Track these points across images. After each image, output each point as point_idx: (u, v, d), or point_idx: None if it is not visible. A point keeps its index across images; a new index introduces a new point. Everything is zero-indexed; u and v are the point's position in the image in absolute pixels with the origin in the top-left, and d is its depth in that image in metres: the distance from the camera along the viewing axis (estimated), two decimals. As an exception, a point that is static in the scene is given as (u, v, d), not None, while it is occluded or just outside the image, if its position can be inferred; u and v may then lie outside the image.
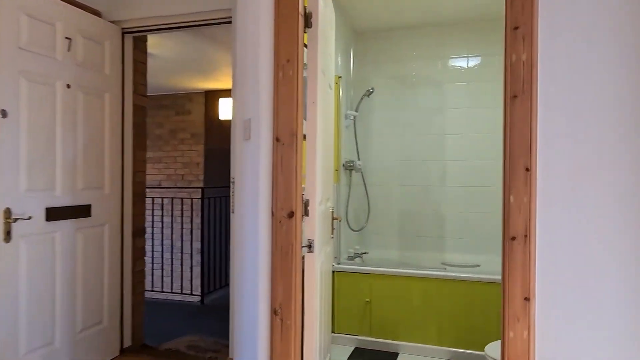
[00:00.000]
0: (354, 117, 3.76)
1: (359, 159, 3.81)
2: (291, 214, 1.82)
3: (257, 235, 1.87)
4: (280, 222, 1.83)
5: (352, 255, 3.64)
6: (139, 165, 3.15)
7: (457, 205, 3.80)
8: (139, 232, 3.14)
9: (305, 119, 1.98)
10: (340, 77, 3.44)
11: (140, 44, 3.14)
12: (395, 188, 3.96)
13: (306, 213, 1.93)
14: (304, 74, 1.98)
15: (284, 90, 1.82)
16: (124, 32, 2.97)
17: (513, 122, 1.59)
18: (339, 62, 3.57)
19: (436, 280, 3.12)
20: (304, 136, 1.98)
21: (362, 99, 3.81)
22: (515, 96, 1.59)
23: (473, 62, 3.76)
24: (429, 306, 3.12)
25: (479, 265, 3.68)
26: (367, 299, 3.24)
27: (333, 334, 3.30)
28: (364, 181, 3.85)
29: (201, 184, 5.82)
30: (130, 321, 3.06)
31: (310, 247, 1.93)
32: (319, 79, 1.98)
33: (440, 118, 3.84)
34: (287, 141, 1.82)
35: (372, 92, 3.78)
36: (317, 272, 1.99)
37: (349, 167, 3.70)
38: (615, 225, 1.52)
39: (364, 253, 3.80)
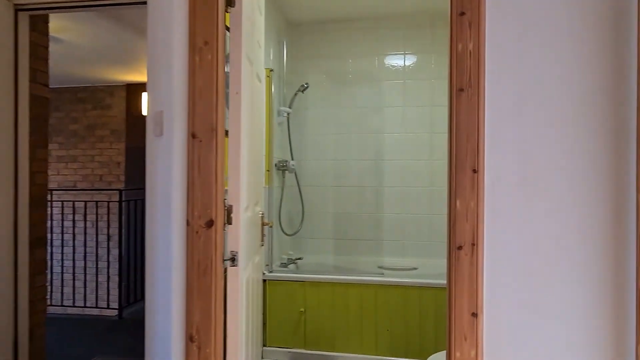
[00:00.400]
0: (287, 114, 3.53)
1: (292, 159, 3.58)
2: (210, 223, 1.55)
3: (170, 248, 1.59)
4: (197, 232, 1.56)
5: (285, 261, 3.41)
6: (38, 165, 2.72)
7: (394, 206, 3.68)
8: (38, 243, 2.71)
9: (228, 113, 1.73)
10: (272, 70, 3.19)
11: (39, 25, 2.71)
12: (331, 189, 3.78)
13: (229, 221, 1.67)
14: (227, 65, 1.72)
15: (202, 77, 1.55)
16: (18, 9, 2.54)
17: (459, 118, 1.44)
18: (271, 55, 3.32)
19: (373, 286, 2.96)
20: (227, 132, 1.72)
21: (295, 94, 3.59)
22: (461, 90, 1.43)
23: (410, 59, 3.66)
24: (367, 313, 2.96)
25: (416, 268, 3.59)
26: (302, 309, 3.03)
27: (264, 348, 3.05)
28: (297, 182, 3.64)
29: (122, 186, 5.33)
30: (27, 346, 2.63)
31: (233, 260, 1.68)
32: (243, 67, 1.73)
33: (377, 116, 3.70)
34: (205, 137, 1.55)
35: (306, 87, 3.57)
36: (242, 289, 1.73)
37: (282, 168, 3.47)
38: (569, 233, 1.41)
39: (299, 259, 3.58)
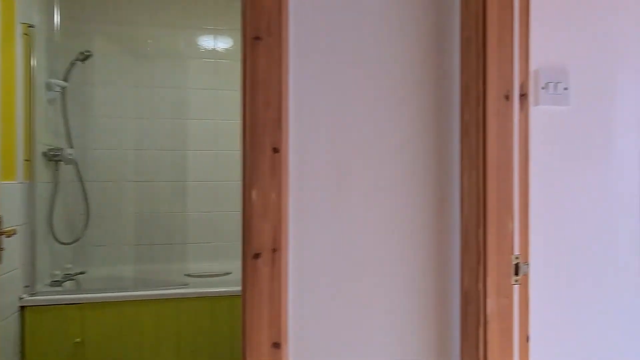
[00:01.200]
0: (62, 88, 2.75)
1: (71, 147, 2.81)
2: None
3: None
4: None
5: (60, 278, 2.64)
6: None
7: (204, 204, 3.19)
8: None
9: None
10: (31, 27, 2.40)
11: None
12: (127, 185, 3.10)
13: None
14: None
15: None
16: None
17: (255, 77, 1.04)
18: (36, 10, 2.52)
19: (174, 300, 2.44)
20: None
21: (72, 64, 2.82)
22: (257, 38, 1.04)
23: (223, 36, 3.21)
24: (166, 336, 2.42)
25: (230, 273, 3.16)
26: (78, 339, 2.33)
27: (23, 399, 2.28)
28: (80, 177, 2.87)
29: None
30: None
31: None
32: None
33: (182, 99, 3.16)
34: None
35: (88, 56, 2.83)
36: None
37: (54, 158, 2.68)
38: (390, 232, 1.13)
39: (80, 273, 2.84)
